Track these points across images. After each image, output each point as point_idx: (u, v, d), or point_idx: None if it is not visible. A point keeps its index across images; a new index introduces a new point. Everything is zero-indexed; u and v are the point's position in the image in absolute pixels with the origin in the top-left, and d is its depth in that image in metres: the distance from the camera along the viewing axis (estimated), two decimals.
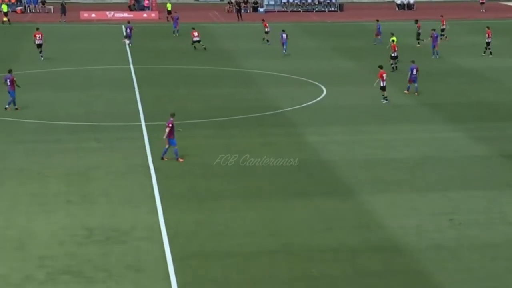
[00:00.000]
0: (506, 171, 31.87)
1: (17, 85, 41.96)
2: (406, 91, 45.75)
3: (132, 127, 38.65)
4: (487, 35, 59.60)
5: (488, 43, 59.70)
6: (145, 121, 39.59)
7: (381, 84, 43.86)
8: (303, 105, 43.58)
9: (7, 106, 41.87)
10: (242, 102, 44.46)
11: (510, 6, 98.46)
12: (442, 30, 67.04)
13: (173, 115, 33.27)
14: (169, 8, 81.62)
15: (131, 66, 55.90)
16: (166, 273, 22.51)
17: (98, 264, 23.08)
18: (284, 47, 60.82)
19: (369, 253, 23.89)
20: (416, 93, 45.43)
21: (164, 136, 32.63)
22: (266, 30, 66.10)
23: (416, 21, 65.76)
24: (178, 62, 57.37)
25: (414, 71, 45.31)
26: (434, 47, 58.43)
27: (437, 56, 57.95)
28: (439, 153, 34.52)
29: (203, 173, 31.57)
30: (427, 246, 24.41)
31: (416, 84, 45.56)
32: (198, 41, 62.67)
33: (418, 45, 63.44)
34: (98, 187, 29.81)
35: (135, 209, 27.52)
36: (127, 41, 65.63)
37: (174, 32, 70.89)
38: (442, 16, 69.43)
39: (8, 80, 41.67)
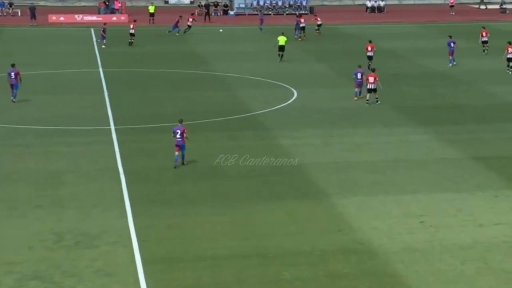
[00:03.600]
0: (477, 174, 31.98)
1: (20, 80, 43.88)
2: (355, 98, 44.99)
3: (102, 131, 38.34)
4: (483, 34, 60.65)
5: (485, 42, 60.58)
6: (115, 125, 39.33)
7: (368, 87, 43.80)
8: (274, 107, 43.52)
9: (14, 100, 43.79)
10: (213, 105, 44.30)
11: (480, 9, 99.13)
12: (319, 25, 73.27)
13: (181, 121, 32.89)
14: (152, 11, 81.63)
15: (101, 69, 55.53)
16: (136, 278, 22.28)
17: (67, 269, 22.79)
18: (296, 32, 68.12)
19: (341, 256, 23.83)
20: (356, 98, 44.89)
21: (182, 143, 32.24)
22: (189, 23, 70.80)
23: (315, 15, 75.54)
24: (149, 66, 57.10)
25: (359, 75, 45.01)
26: (453, 53, 56.93)
27: (454, 63, 56.55)
28: (411, 155, 34.58)
29: (175, 177, 31.38)
30: (399, 249, 24.39)
31: (360, 89, 45.01)
32: (133, 34, 66.26)
33: (300, 39, 69.53)
34: (67, 192, 29.50)
35: (105, 213, 27.26)
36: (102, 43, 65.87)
37: (178, 32, 72.58)
38: (316, 15, 76.46)
39: (13, 74, 43.69)
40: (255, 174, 31.76)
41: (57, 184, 30.38)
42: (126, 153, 34.24)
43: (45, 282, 21.99)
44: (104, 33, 66.36)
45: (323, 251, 24.15)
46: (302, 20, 70.48)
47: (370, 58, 54.70)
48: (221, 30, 71.12)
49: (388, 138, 37.32)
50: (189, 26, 73.14)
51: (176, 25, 72.33)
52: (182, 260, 23.52)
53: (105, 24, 68.75)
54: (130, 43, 66.30)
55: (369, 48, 55.34)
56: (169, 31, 72.59)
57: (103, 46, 65.49)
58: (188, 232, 25.63)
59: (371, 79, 43.81)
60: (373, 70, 44.83)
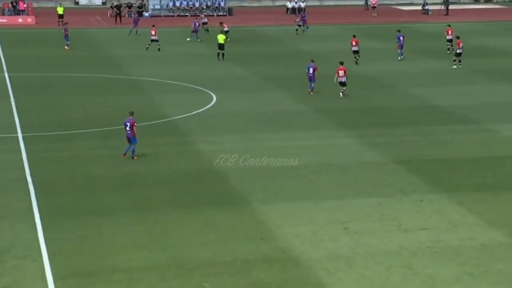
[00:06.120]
0: (401, 178, 31.63)
1: None
2: (310, 91, 46.75)
3: (8, 139, 36.87)
4: (448, 32, 61.64)
5: (449, 40, 61.49)
6: (22, 133, 37.88)
7: (339, 80, 45.74)
8: (192, 113, 42.56)
9: None
10: (128, 110, 42.83)
11: (401, 10, 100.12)
12: (227, 31, 68.45)
13: (131, 113, 33.65)
14: (60, 12, 79.10)
15: (6, 74, 53.56)
16: None
17: None
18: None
19: (263, 265, 23.22)
20: (310, 92, 46.62)
21: (131, 136, 33.00)
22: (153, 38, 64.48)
23: (221, 23, 69.33)
24: (59, 70, 55.33)
25: (311, 70, 46.57)
26: (402, 46, 59.54)
27: (402, 57, 59.34)
28: (334, 160, 34.06)
29: (88, 186, 30.23)
30: (322, 256, 23.91)
31: (312, 84, 46.70)
32: (156, 40, 63.48)
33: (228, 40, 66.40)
34: None
35: (13, 226, 26.04)
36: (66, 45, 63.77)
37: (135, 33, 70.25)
38: (221, 22, 71.38)
39: None
40: (173, 181, 30.92)
41: None
42: (34, 162, 32.97)
43: None
44: (67, 33, 63.89)
45: (245, 260, 23.57)
46: (225, 25, 69.70)
47: (356, 52, 57.24)
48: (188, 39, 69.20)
49: (311, 142, 36.76)
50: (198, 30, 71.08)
51: (198, 29, 70.26)
52: (95, 273, 22.65)
53: (65, 24, 66.21)
54: (147, 48, 63.52)
55: (353, 43, 57.87)
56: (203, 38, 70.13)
57: (66, 48, 63.26)
58: (102, 244, 24.66)
59: (341, 72, 45.66)
60: (342, 63, 46.54)
